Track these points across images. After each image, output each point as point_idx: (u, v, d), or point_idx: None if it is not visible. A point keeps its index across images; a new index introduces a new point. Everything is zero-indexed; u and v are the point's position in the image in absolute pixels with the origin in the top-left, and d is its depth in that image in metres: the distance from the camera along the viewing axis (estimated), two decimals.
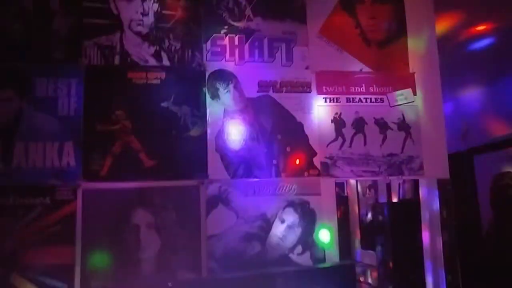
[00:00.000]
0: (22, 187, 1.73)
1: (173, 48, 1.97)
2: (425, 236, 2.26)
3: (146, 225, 1.85)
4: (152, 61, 1.95)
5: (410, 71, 2.31)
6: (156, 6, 1.98)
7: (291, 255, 2.03)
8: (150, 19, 1.96)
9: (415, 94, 2.29)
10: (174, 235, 1.88)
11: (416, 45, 2.33)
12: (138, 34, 1.94)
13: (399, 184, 2.55)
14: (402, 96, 2.29)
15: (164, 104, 1.93)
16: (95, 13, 1.89)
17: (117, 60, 1.91)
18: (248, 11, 2.10)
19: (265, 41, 2.12)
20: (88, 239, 1.78)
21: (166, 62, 1.97)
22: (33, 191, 1.74)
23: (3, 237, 1.68)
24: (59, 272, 1.73)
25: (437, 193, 2.23)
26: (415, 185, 2.43)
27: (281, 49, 2.14)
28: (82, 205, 1.78)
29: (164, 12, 1.98)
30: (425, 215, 2.27)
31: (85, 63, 1.86)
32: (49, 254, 1.73)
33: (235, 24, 2.08)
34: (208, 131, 1.99)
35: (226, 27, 2.08)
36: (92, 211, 1.80)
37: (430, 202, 2.26)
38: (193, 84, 1.98)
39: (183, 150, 1.93)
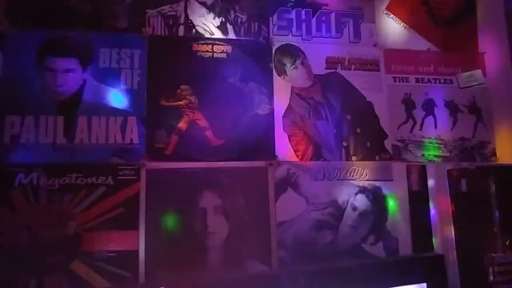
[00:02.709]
0: (84, 166, 1.57)
1: (239, 20, 1.84)
2: None
3: (213, 208, 1.69)
4: (218, 33, 1.82)
5: (480, 51, 2.17)
6: None
7: (363, 245, 1.87)
8: None
9: (485, 75, 2.15)
10: (242, 220, 1.72)
11: (486, 24, 2.20)
12: (203, 4, 1.81)
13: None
14: (472, 78, 2.15)
15: (230, 80, 1.78)
16: None
17: (181, 31, 1.77)
18: None
19: (332, 16, 1.99)
20: (153, 223, 1.62)
21: (232, 35, 1.83)
22: (95, 170, 1.58)
23: (65, 219, 1.52)
24: (122, 259, 1.56)
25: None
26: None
27: (348, 25, 2.01)
28: (146, 186, 1.62)
29: None
30: None
31: (148, 33, 1.72)
32: (112, 239, 1.56)
33: None
34: (276, 109, 1.84)
35: (292, 0, 1.94)
36: (156, 193, 1.64)
37: None
38: (259, 60, 1.85)
39: (250, 129, 1.79)
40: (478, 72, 2.16)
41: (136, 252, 1.58)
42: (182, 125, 1.71)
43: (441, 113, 2.08)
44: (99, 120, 1.62)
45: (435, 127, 2.06)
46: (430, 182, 2.02)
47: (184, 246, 1.65)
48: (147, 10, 1.74)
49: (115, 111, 1.65)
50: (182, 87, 1.73)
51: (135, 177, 1.62)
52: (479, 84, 2.15)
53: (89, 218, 1.56)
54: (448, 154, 2.06)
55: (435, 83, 2.10)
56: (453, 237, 1.91)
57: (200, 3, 1.81)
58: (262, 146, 1.80)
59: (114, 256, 1.56)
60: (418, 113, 2.04)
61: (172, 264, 1.62)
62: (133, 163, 1.63)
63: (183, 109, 1.72)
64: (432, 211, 1.99)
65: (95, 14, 1.68)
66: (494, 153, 2.10)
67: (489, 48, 2.18)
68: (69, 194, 1.55)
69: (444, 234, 1.95)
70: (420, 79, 2.09)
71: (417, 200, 1.98)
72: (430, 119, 2.06)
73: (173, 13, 1.76)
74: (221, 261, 1.68)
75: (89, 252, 1.54)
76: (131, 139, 1.65)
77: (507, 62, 2.21)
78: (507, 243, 1.94)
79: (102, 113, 1.63)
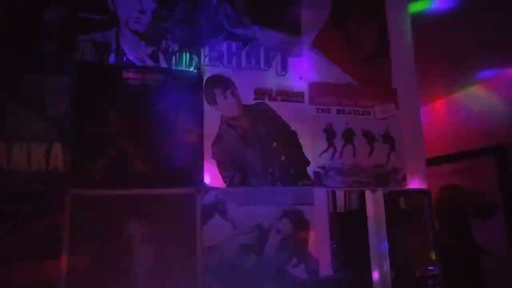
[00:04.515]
0: (2, 192, 1.52)
1: (170, 49, 1.89)
2: None
3: (139, 236, 1.71)
4: (149, 62, 1.85)
5: (393, 86, 2.42)
6: (154, 4, 1.90)
7: (287, 267, 1.98)
8: (148, 18, 1.87)
9: (397, 108, 2.39)
10: (169, 246, 1.75)
11: (397, 63, 2.45)
12: (135, 32, 1.84)
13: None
14: (386, 110, 2.37)
15: (160, 108, 1.82)
16: (90, 8, 1.76)
17: (112, 58, 1.78)
18: (246, 19, 2.08)
19: (262, 50, 2.11)
20: (76, 252, 1.60)
21: (163, 64, 1.88)
22: (15, 196, 1.53)
23: None
24: None
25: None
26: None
27: (276, 58, 2.14)
28: (70, 214, 1.60)
29: (162, 12, 1.90)
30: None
31: (77, 59, 1.71)
32: (31, 270, 1.52)
33: (233, 30, 2.05)
34: (205, 137, 1.91)
35: (224, 32, 2.04)
36: (81, 221, 1.62)
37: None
38: (190, 89, 1.91)
39: (178, 156, 1.83)
40: (391, 106, 2.39)
41: (55, 285, 1.54)
42: (109, 152, 1.71)
43: (360, 142, 2.27)
44: (20, 146, 1.58)
45: (354, 155, 2.24)
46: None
47: (109, 275, 1.64)
48: (77, 36, 1.73)
49: (39, 137, 1.61)
50: (111, 114, 1.74)
51: (59, 205, 1.59)
52: (392, 116, 2.37)
53: (5, 247, 1.50)
54: (365, 180, 2.25)
55: (354, 114, 2.29)
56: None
57: (132, 31, 1.84)
58: (191, 173, 1.85)
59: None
60: (338, 141, 2.21)
61: None
62: (57, 190, 1.60)
63: (110, 136, 1.73)
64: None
65: (21, 36, 1.64)
66: (404, 178, 2.33)
67: (400, 84, 2.43)
68: None
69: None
70: (341, 110, 2.26)
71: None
72: (349, 147, 2.24)
73: (104, 40, 1.77)
74: None
75: (6, 283, 1.48)
76: (56, 166, 1.62)
77: (415, 97, 2.49)
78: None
79: (24, 139, 1.59)
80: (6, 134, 1.57)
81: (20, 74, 1.62)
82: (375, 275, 2.23)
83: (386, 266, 2.22)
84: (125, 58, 1.81)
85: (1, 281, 1.48)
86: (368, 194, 2.32)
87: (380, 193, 2.27)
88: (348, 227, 2.34)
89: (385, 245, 2.23)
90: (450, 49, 3.16)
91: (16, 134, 1.58)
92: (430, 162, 3.93)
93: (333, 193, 2.20)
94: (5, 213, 1.52)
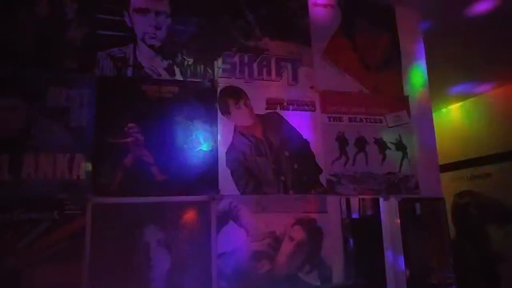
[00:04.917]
0: (29, 200, 1.61)
1: (185, 63, 1.97)
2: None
3: (156, 242, 1.77)
4: (165, 75, 1.94)
5: (405, 94, 2.44)
6: (169, 20, 1.99)
7: (299, 274, 2.01)
8: (163, 33, 1.96)
9: (409, 116, 2.41)
10: (185, 252, 1.81)
11: (409, 70, 2.48)
12: (152, 47, 1.93)
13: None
14: (398, 118, 2.40)
15: (176, 118, 1.90)
16: (109, 25, 1.86)
17: (130, 72, 1.87)
18: (257, 31, 2.15)
19: (273, 61, 2.18)
20: (97, 257, 1.68)
21: (179, 76, 1.96)
22: (40, 204, 1.63)
23: (5, 254, 1.55)
24: None
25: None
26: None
27: (287, 69, 2.20)
28: (91, 221, 1.69)
29: (177, 27, 1.99)
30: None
31: (98, 74, 1.81)
32: (55, 274, 1.60)
33: (245, 43, 2.12)
34: (219, 146, 1.97)
35: (236, 45, 2.11)
36: (101, 227, 1.70)
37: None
38: (205, 100, 1.98)
39: (194, 165, 1.90)
40: (403, 113, 2.42)
41: (79, 287, 1.63)
42: (127, 161, 1.79)
43: (372, 149, 2.30)
44: (46, 156, 1.67)
45: (366, 163, 2.27)
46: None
47: (128, 279, 1.71)
48: (97, 52, 1.83)
49: (63, 148, 1.71)
50: (129, 125, 1.82)
51: (81, 212, 1.68)
52: (405, 124, 2.40)
53: (31, 253, 1.59)
54: (377, 187, 2.27)
55: (366, 122, 2.32)
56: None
57: (149, 46, 1.93)
58: (206, 181, 1.91)
59: None
60: (351, 149, 2.25)
61: None
62: (79, 198, 1.69)
63: (129, 146, 1.81)
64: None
65: (45, 54, 1.75)
66: (417, 186, 2.34)
67: (412, 91, 2.45)
68: (11, 228, 1.58)
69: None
70: (352, 119, 2.30)
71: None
72: (361, 155, 2.27)
73: (122, 55, 1.87)
74: None
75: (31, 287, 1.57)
76: (78, 175, 1.71)
77: (427, 104, 2.50)
78: None
79: (49, 149, 1.68)
80: (33, 145, 1.66)
81: (45, 89, 1.72)
82: (390, 282, 2.25)
83: (401, 273, 2.24)
84: (142, 71, 1.89)
85: (26, 284, 1.56)
86: (382, 201, 2.35)
87: (394, 200, 2.29)
88: (363, 234, 2.37)
89: (400, 252, 2.25)
90: (465, 54, 3.16)
91: (43, 145, 1.67)
92: (445, 167, 3.95)
93: (348, 200, 2.24)
94: (31, 220, 1.61)
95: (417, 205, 2.34)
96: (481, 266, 3.30)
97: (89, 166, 1.72)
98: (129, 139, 1.81)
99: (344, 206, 2.30)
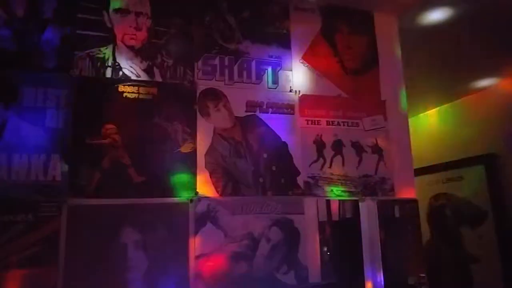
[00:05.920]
0: (2, 202, 1.59)
1: (165, 64, 1.97)
2: None
3: (133, 243, 1.77)
4: (144, 76, 1.93)
5: (382, 98, 2.49)
6: (149, 22, 1.98)
7: (277, 274, 2.04)
8: (143, 34, 1.95)
9: (386, 120, 2.47)
10: (162, 254, 1.82)
11: (386, 76, 2.53)
12: (131, 48, 1.92)
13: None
14: (374, 122, 2.45)
15: (155, 120, 1.90)
16: (88, 25, 1.85)
17: (108, 73, 1.86)
18: (238, 34, 2.17)
19: (253, 64, 2.19)
20: (73, 259, 1.66)
21: (158, 78, 1.96)
22: (14, 206, 1.60)
23: None
24: None
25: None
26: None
27: (267, 72, 2.22)
28: (67, 223, 1.67)
29: (157, 28, 1.99)
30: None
31: (76, 74, 1.79)
32: (29, 277, 1.58)
33: (226, 45, 2.14)
34: (198, 148, 1.98)
35: (217, 47, 2.12)
36: (77, 229, 1.69)
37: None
38: (184, 101, 1.98)
39: (172, 166, 1.90)
40: (380, 117, 2.47)
41: None
42: (105, 162, 1.79)
43: (348, 152, 2.34)
44: (20, 157, 1.65)
45: (343, 165, 2.31)
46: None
47: (104, 281, 1.71)
48: (75, 52, 1.81)
49: (38, 149, 1.69)
50: (107, 126, 1.81)
51: (57, 214, 1.66)
52: (381, 128, 2.45)
53: (5, 255, 1.57)
54: (353, 190, 2.32)
55: (343, 125, 2.37)
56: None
57: (128, 47, 1.92)
58: (184, 183, 1.92)
59: None
60: (328, 152, 2.29)
61: None
62: (55, 199, 1.67)
63: (106, 148, 1.80)
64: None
65: (22, 54, 1.72)
66: (392, 188, 2.40)
67: (389, 96, 2.51)
68: None
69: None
70: (330, 122, 2.34)
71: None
72: (338, 158, 2.31)
73: (101, 55, 1.85)
74: None
75: None
76: (54, 176, 1.69)
77: (404, 109, 2.56)
78: None
79: (23, 150, 1.66)
80: (6, 145, 1.63)
81: (21, 89, 1.69)
82: (367, 282, 2.29)
83: (379, 273, 2.28)
84: (121, 72, 1.88)
85: None
86: (360, 203, 2.39)
87: (373, 202, 2.33)
88: (341, 235, 2.41)
89: (378, 253, 2.29)
90: (442, 60, 3.24)
91: (17, 146, 1.65)
92: (422, 171, 4.06)
93: (328, 202, 2.27)
94: (5, 222, 1.58)
95: (396, 208, 2.39)
96: (455, 267, 3.39)
97: (65, 168, 1.71)
98: (106, 141, 1.81)
99: (322, 208, 2.33)
